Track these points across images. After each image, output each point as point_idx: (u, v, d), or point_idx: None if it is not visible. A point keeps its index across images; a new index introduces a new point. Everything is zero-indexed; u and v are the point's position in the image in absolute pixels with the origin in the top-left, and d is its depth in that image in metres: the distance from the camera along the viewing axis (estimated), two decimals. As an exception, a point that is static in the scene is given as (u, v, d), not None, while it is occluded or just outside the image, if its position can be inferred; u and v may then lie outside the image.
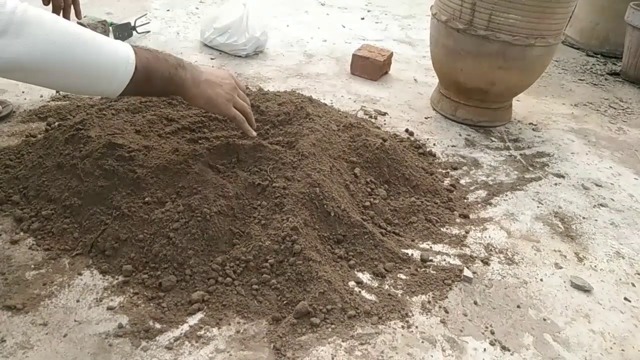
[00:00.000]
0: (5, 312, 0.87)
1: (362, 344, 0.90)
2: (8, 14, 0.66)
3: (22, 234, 1.02)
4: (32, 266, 0.96)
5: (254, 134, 1.11)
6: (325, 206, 1.08)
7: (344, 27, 2.63)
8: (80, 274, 0.96)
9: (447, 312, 1.00)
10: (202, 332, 0.88)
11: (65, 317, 0.87)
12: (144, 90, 0.89)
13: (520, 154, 1.65)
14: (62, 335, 0.84)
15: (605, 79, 2.46)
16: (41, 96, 1.52)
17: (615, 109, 2.13)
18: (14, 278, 0.93)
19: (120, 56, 0.81)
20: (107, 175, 1.06)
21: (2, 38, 0.66)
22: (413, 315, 0.98)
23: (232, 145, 1.15)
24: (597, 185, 1.54)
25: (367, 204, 1.19)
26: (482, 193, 1.41)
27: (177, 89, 0.93)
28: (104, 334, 0.85)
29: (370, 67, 2.00)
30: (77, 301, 0.91)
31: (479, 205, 1.35)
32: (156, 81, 0.88)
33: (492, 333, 0.98)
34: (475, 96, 1.73)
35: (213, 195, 1.03)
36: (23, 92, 1.53)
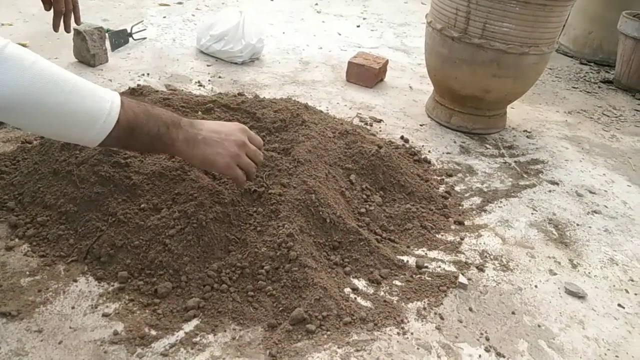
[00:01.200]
0: (0, 318, 0.86)
1: (357, 350, 0.90)
2: None
3: (17, 240, 1.02)
4: (27, 273, 0.96)
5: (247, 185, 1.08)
6: (321, 213, 1.08)
7: (340, 34, 2.64)
8: (75, 281, 0.96)
9: (442, 318, 1.01)
10: (197, 339, 0.88)
11: (61, 324, 0.87)
12: (127, 144, 0.84)
13: (515, 161, 1.66)
14: (57, 342, 0.84)
15: (599, 87, 2.49)
16: (37, 102, 1.52)
17: (608, 116, 2.15)
18: (8, 285, 0.93)
19: (102, 107, 0.76)
20: (102, 181, 1.06)
21: None
22: (408, 321, 0.98)
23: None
24: (590, 192, 1.55)
25: (363, 210, 1.20)
26: (477, 200, 1.41)
27: (166, 148, 0.87)
28: (99, 341, 0.85)
29: (366, 74, 2.01)
30: (73, 308, 0.90)
31: (474, 212, 1.36)
32: (141, 137, 0.82)
33: (487, 339, 0.98)
34: (470, 104, 1.74)
35: (209, 202, 1.03)
36: (19, 98, 1.53)
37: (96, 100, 0.76)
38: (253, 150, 0.99)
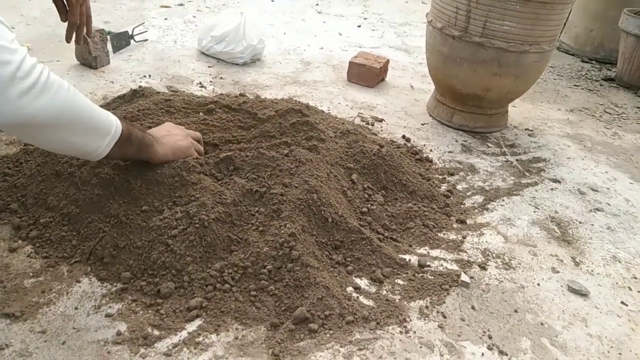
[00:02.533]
0: (4, 319, 0.87)
1: (360, 349, 0.90)
2: (37, 75, 0.76)
3: (20, 241, 1.02)
4: (31, 274, 0.96)
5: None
6: (322, 212, 1.09)
7: (341, 34, 2.64)
8: (78, 282, 0.96)
9: (444, 317, 1.01)
10: (200, 339, 0.88)
11: (64, 325, 0.87)
12: (124, 149, 0.96)
13: (517, 160, 1.66)
14: (60, 342, 0.84)
15: (600, 85, 2.48)
16: (39, 105, 1.52)
17: (610, 114, 2.14)
18: (12, 286, 0.93)
19: (111, 120, 0.91)
20: (103, 183, 1.06)
21: (29, 94, 0.75)
22: (411, 320, 0.98)
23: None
24: (593, 190, 1.55)
25: (365, 209, 1.20)
26: (479, 198, 1.41)
27: (148, 148, 1.03)
28: (102, 341, 0.85)
29: (367, 74, 2.01)
30: (76, 308, 0.91)
31: (476, 211, 1.36)
32: (134, 140, 0.98)
33: (490, 337, 0.98)
34: (471, 102, 1.74)
35: (211, 202, 1.04)
36: (21, 100, 1.53)
37: (106, 114, 0.91)
38: (192, 133, 1.21)
